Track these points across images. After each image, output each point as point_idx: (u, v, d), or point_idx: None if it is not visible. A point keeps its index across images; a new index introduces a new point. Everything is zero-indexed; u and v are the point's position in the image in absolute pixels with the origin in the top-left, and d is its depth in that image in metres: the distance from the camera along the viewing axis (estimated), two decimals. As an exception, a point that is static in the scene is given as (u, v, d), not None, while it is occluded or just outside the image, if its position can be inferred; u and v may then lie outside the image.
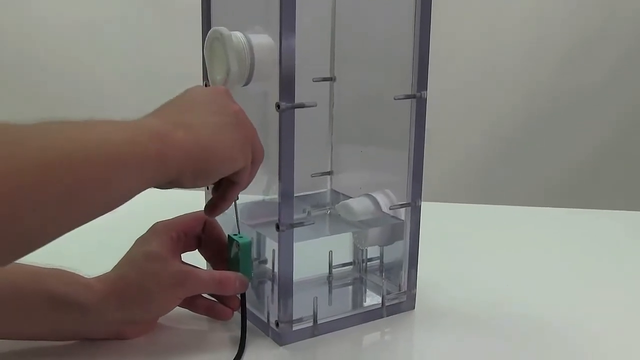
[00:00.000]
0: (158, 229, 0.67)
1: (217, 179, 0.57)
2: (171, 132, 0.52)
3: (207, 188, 0.72)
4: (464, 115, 1.96)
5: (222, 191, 0.61)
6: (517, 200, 1.43)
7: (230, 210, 0.65)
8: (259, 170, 0.62)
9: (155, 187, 0.53)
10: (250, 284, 0.69)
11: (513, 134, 1.96)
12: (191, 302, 0.69)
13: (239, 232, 0.68)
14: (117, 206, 0.49)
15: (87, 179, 0.45)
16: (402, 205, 0.72)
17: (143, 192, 0.49)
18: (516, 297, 0.78)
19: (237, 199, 0.65)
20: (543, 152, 1.95)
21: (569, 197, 1.93)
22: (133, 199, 0.49)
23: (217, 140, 0.55)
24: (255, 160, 0.60)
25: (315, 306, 0.69)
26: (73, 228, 0.46)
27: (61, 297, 0.62)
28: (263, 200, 0.73)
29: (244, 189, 0.61)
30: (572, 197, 1.92)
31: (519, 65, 1.95)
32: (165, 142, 0.51)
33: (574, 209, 1.04)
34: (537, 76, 1.95)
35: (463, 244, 0.93)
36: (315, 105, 0.63)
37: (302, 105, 0.62)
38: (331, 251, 0.79)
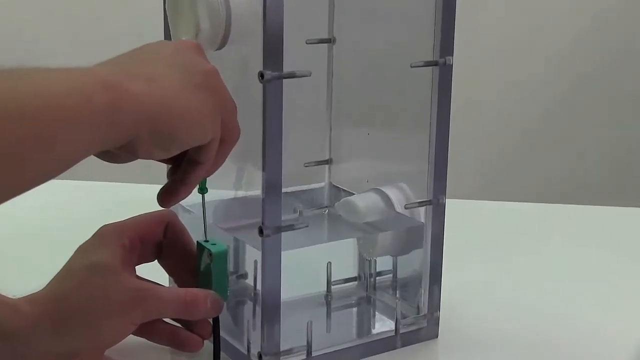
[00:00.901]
0: (106, 234, 0.67)
1: (178, 150, 0.58)
2: (125, 82, 0.53)
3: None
4: (488, 92, 2.16)
5: (182, 172, 0.61)
6: (546, 197, 1.51)
7: (200, 210, 0.67)
8: (237, 159, 0.64)
9: (103, 156, 0.55)
10: (225, 305, 0.68)
11: (548, 118, 2.20)
12: (149, 329, 0.69)
13: (206, 238, 0.67)
14: (61, 171, 0.50)
15: (23, 138, 0.47)
16: (421, 203, 0.73)
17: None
18: (564, 314, 0.80)
19: (206, 190, 0.66)
20: (577, 143, 2.20)
21: (609, 194, 2.09)
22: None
23: (182, 100, 0.56)
24: (227, 139, 0.61)
25: (309, 334, 0.69)
26: (5, 199, 0.47)
27: (-22, 322, 0.63)
28: (242, 197, 0.74)
29: (209, 173, 0.62)
30: (614, 195, 2.09)
31: (561, 45, 2.13)
32: (118, 94, 0.52)
33: (617, 207, 1.09)
34: (580, 65, 2.15)
35: (490, 249, 0.95)
36: (309, 75, 0.64)
37: (292, 75, 0.63)
38: (330, 262, 0.79)
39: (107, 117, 0.51)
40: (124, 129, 0.53)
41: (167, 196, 0.63)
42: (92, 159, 0.55)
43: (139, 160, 0.58)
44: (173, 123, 0.56)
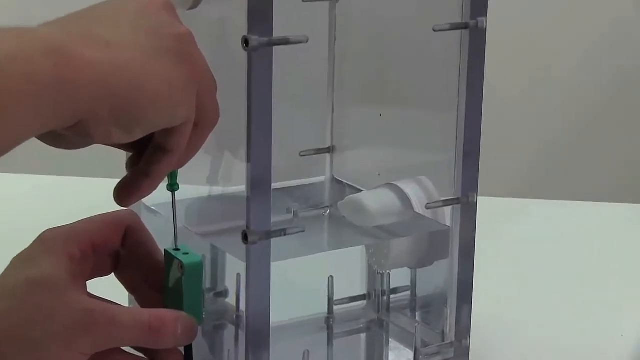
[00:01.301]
0: (49, 241, 0.67)
1: (143, 133, 0.58)
2: (77, 46, 0.53)
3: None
4: (529, 64, 2.26)
5: (146, 162, 0.62)
6: (595, 195, 1.55)
7: (169, 211, 0.66)
8: (216, 147, 0.65)
9: (49, 140, 0.56)
10: (200, 330, 0.68)
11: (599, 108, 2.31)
12: None
13: (176, 246, 0.67)
14: (1, 154, 0.50)
15: None
16: (446, 202, 0.73)
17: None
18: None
19: (177, 187, 0.65)
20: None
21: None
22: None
23: (147, 69, 0.56)
24: (203, 121, 0.61)
25: None
26: None
27: None
28: (222, 195, 0.75)
29: (179, 164, 0.62)
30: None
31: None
32: (68, 60, 0.52)
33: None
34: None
35: (533, 259, 0.96)
36: (306, 41, 0.64)
37: (285, 41, 0.63)
38: (331, 277, 0.79)
39: (52, 89, 0.51)
40: (75, 104, 0.53)
41: (125, 192, 0.63)
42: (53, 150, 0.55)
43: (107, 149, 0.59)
44: (137, 98, 0.56)
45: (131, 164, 0.63)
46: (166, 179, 0.65)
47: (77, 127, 0.54)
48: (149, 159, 0.61)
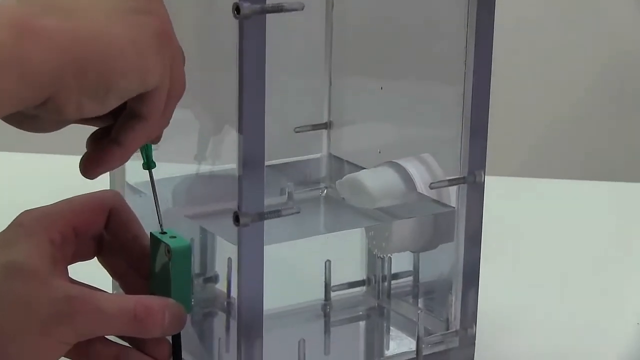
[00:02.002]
0: (28, 224, 0.67)
1: (116, 101, 0.58)
2: (38, 18, 0.54)
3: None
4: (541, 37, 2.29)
5: (118, 129, 0.62)
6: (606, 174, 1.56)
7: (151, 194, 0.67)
8: (205, 122, 0.65)
9: (18, 122, 0.57)
10: (189, 318, 0.68)
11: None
12: (87, 351, 0.68)
13: (162, 229, 0.67)
14: None
15: None
16: (451, 182, 0.72)
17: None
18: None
19: (154, 165, 0.66)
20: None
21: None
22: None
23: (112, 32, 0.57)
24: (172, 89, 0.61)
25: (301, 356, 0.69)
26: None
27: None
28: (212, 173, 0.74)
29: (152, 135, 0.62)
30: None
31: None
32: (30, 33, 0.53)
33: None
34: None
35: (544, 241, 0.96)
36: (302, 8, 0.63)
37: (279, 8, 0.62)
38: (329, 261, 0.79)
39: (15, 62, 0.52)
40: (41, 77, 0.53)
41: (93, 161, 0.62)
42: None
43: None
44: (104, 62, 0.56)
45: (93, 139, 0.63)
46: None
47: (48, 104, 0.55)
48: (121, 127, 0.62)
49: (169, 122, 0.63)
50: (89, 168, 0.62)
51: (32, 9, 0.54)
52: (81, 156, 0.63)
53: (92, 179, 0.64)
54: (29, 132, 0.60)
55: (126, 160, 0.63)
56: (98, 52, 0.56)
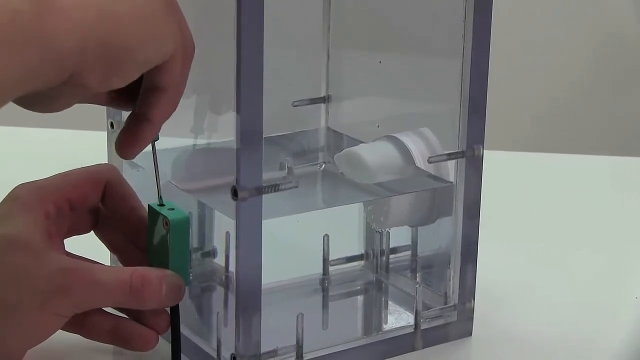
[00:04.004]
0: (22, 197, 0.67)
1: (137, 71, 0.59)
2: None
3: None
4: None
5: (142, 106, 0.62)
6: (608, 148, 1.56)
7: (151, 165, 0.67)
8: (203, 95, 0.65)
9: (34, 103, 0.57)
10: (187, 292, 0.69)
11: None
12: (84, 323, 0.69)
13: (160, 201, 0.68)
14: None
15: None
16: (450, 156, 0.72)
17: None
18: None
19: (156, 136, 0.65)
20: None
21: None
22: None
23: (131, 3, 0.57)
24: (186, 53, 0.62)
25: (299, 331, 0.68)
26: None
27: None
28: (209, 147, 0.74)
29: (177, 101, 0.63)
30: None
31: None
32: (49, 9, 0.53)
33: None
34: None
35: (542, 216, 0.97)
36: None
37: None
38: (327, 235, 0.79)
39: (37, 37, 0.52)
40: (64, 54, 0.54)
41: (129, 142, 0.63)
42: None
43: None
44: (126, 35, 0.57)
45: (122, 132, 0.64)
46: None
47: (71, 80, 0.55)
48: (146, 103, 0.62)
49: (184, 90, 0.63)
50: (125, 148, 0.63)
51: None
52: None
53: (131, 158, 0.65)
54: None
55: (156, 135, 0.64)
56: (118, 24, 0.56)
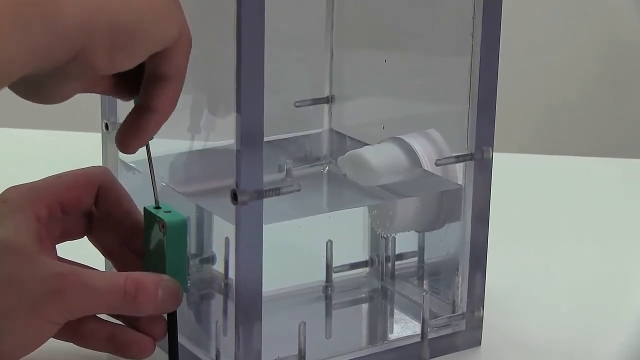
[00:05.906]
0: (13, 201, 0.68)
1: (144, 53, 0.60)
2: None
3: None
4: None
5: (147, 98, 0.63)
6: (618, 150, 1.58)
7: (147, 168, 0.67)
8: (202, 95, 0.65)
9: (41, 82, 0.57)
10: (185, 300, 0.69)
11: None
12: (78, 330, 0.69)
13: (156, 204, 0.68)
14: None
15: None
16: (458, 158, 0.72)
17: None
18: None
19: (151, 137, 0.66)
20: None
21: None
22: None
23: None
24: (187, 40, 0.62)
25: (301, 339, 0.69)
26: None
27: None
28: (208, 149, 0.74)
29: (180, 90, 0.63)
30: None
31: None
32: None
33: None
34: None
35: (553, 221, 0.97)
36: None
37: None
38: (330, 241, 0.79)
39: (42, 14, 0.53)
40: (71, 31, 0.54)
41: (130, 135, 0.64)
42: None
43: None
44: (135, 14, 0.58)
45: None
46: None
47: (78, 59, 0.55)
48: (150, 93, 0.63)
49: (184, 81, 0.64)
50: (126, 142, 0.64)
51: None
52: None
53: (132, 153, 0.65)
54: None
55: (160, 127, 0.64)
56: (127, 2, 0.57)
